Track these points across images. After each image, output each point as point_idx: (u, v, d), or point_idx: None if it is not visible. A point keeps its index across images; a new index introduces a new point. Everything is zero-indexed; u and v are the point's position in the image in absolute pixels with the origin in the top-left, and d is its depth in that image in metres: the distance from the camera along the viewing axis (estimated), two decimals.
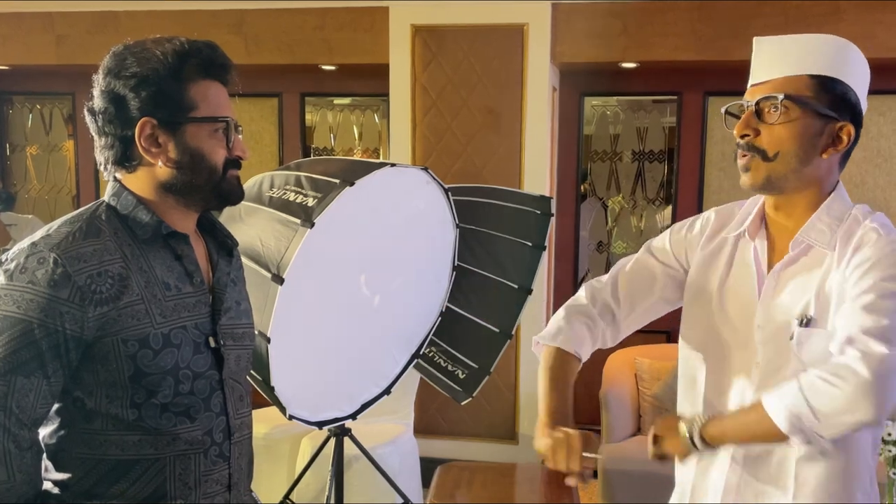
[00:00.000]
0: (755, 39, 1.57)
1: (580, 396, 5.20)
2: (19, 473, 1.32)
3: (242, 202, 1.61)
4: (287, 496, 3.11)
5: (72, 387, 1.37)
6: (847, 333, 1.36)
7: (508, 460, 4.38)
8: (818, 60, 1.50)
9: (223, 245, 1.59)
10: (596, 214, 5.08)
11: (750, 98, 1.54)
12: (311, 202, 2.34)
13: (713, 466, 1.61)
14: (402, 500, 3.20)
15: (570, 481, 1.50)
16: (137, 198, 1.44)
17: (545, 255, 3.11)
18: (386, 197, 2.66)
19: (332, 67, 4.78)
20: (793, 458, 1.51)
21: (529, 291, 3.05)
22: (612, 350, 4.24)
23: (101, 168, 1.47)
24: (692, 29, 4.21)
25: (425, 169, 2.67)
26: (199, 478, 1.45)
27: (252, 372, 2.28)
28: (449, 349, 3.05)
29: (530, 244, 3.06)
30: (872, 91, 1.58)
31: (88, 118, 1.44)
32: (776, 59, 1.52)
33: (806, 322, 1.47)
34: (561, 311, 1.74)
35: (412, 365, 2.99)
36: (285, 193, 2.42)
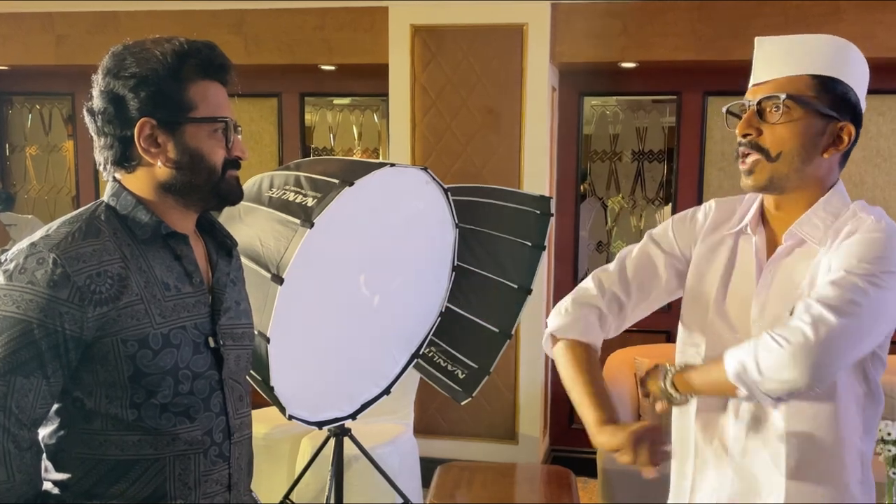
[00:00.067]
0: (757, 39, 1.57)
1: None
2: (19, 473, 1.32)
3: (242, 202, 1.61)
4: (287, 496, 3.11)
5: (71, 387, 1.37)
6: (808, 301, 1.39)
7: (508, 460, 4.38)
8: (819, 60, 1.50)
9: (222, 245, 1.59)
10: (595, 214, 5.08)
11: (751, 97, 1.54)
12: (310, 202, 2.34)
13: (709, 466, 1.62)
14: (401, 500, 3.19)
15: (650, 474, 1.46)
16: (137, 198, 1.44)
17: (545, 254, 3.10)
18: (385, 197, 2.66)
19: (332, 67, 4.78)
20: (784, 459, 1.51)
21: (529, 291, 3.05)
22: (612, 350, 4.26)
23: (101, 168, 1.47)
24: (692, 29, 4.21)
25: (425, 169, 2.67)
26: (198, 478, 1.45)
27: (252, 372, 2.28)
28: (449, 349, 3.04)
29: (530, 244, 3.06)
30: (872, 91, 1.59)
31: (88, 118, 1.44)
32: (778, 59, 1.53)
33: None
34: (568, 302, 1.71)
35: (412, 365, 2.99)
36: (285, 193, 2.42)
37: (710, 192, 4.73)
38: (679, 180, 4.75)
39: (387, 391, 2.90)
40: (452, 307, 3.03)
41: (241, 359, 1.56)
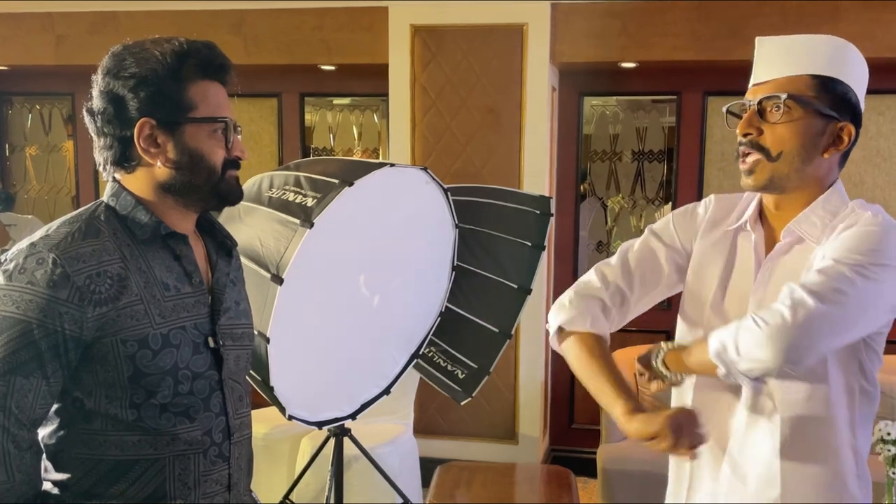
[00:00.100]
0: (757, 39, 1.57)
1: (580, 396, 5.22)
2: (19, 474, 1.32)
3: (242, 202, 1.61)
4: (287, 496, 3.11)
5: (71, 387, 1.37)
6: (793, 285, 1.40)
7: (508, 460, 4.38)
8: (819, 60, 1.51)
9: (222, 245, 1.59)
10: (595, 214, 5.07)
11: (752, 97, 1.55)
12: (310, 202, 2.34)
13: (704, 466, 1.62)
14: (401, 500, 3.19)
15: (692, 457, 1.45)
16: (136, 198, 1.44)
17: (545, 254, 3.10)
18: (385, 197, 2.66)
19: (332, 67, 4.78)
20: (777, 460, 1.52)
21: (529, 291, 3.05)
22: (612, 350, 4.25)
23: (100, 168, 1.47)
24: (691, 29, 4.21)
25: (424, 169, 2.67)
26: (198, 478, 1.45)
27: (251, 372, 2.28)
28: (448, 349, 3.04)
29: (530, 244, 3.06)
30: (872, 91, 1.59)
31: (87, 118, 1.44)
32: (778, 59, 1.53)
33: None
34: (570, 295, 1.69)
35: (412, 365, 2.99)
36: (284, 193, 2.42)
37: (709, 191, 4.69)
38: (679, 180, 4.75)
39: (386, 391, 2.90)
40: (452, 307, 3.03)
41: (240, 359, 1.56)
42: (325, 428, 2.77)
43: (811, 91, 1.50)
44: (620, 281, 1.68)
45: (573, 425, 5.00)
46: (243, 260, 1.97)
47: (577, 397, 4.98)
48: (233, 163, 1.48)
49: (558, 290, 4.86)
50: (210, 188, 1.45)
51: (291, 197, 2.39)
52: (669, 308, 4.50)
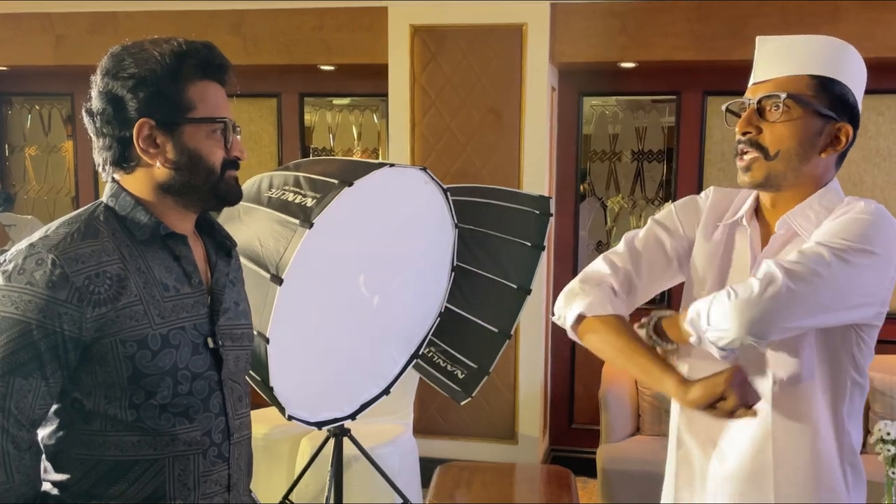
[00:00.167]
0: (758, 38, 1.58)
1: (580, 396, 5.22)
2: (18, 474, 1.32)
3: (241, 203, 1.61)
4: (286, 496, 3.11)
5: (70, 388, 1.37)
6: (770, 261, 1.43)
7: (508, 460, 4.38)
8: (819, 61, 1.52)
9: (222, 246, 1.59)
10: (595, 214, 5.07)
11: (751, 96, 1.56)
12: (309, 202, 2.34)
13: (695, 464, 1.63)
14: (401, 501, 3.19)
15: (753, 414, 1.45)
16: (136, 199, 1.44)
17: (544, 255, 3.10)
18: (385, 197, 2.66)
19: (331, 68, 4.78)
20: (771, 456, 1.53)
21: (528, 291, 3.05)
22: None
23: (99, 169, 1.47)
24: (691, 29, 4.21)
25: (424, 169, 2.66)
26: (198, 478, 1.45)
27: (251, 372, 2.28)
28: (448, 349, 3.04)
29: (529, 244, 3.06)
30: (872, 90, 1.59)
31: (86, 119, 1.44)
32: (778, 59, 1.54)
33: None
34: (577, 284, 1.68)
35: (411, 365, 2.99)
36: (284, 194, 2.42)
37: None
38: (678, 180, 4.75)
39: (386, 391, 2.90)
40: (452, 307, 3.03)
41: (240, 359, 1.56)
42: (325, 428, 2.77)
43: (810, 91, 1.51)
44: (629, 266, 1.68)
45: (573, 425, 5.00)
46: (243, 260, 1.97)
47: (576, 397, 4.98)
48: (232, 163, 1.47)
49: (558, 290, 4.83)
50: (209, 188, 1.45)
51: (291, 197, 2.39)
52: (663, 302, 4.52)
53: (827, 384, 1.52)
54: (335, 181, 2.36)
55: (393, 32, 4.37)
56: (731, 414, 1.43)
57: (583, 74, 4.73)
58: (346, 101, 5.26)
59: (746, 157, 1.55)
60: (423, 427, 4.50)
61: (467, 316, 3.05)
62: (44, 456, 1.40)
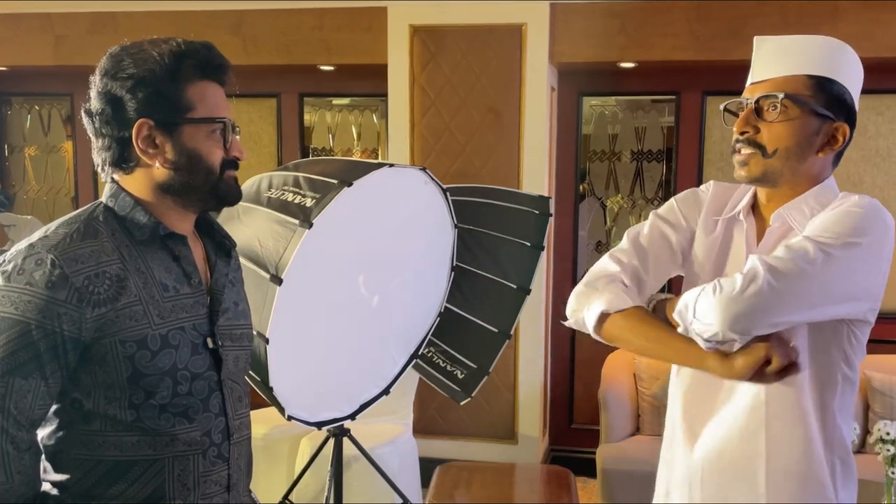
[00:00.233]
0: (756, 39, 1.60)
1: (579, 396, 5.22)
2: (18, 475, 1.32)
3: (240, 203, 1.61)
4: (286, 496, 3.11)
5: (70, 388, 1.37)
6: (756, 256, 1.44)
7: (508, 460, 4.38)
8: (816, 61, 1.54)
9: (221, 246, 1.59)
10: (595, 214, 5.07)
11: (749, 95, 1.57)
12: (309, 203, 2.34)
13: (685, 454, 1.64)
14: (401, 501, 3.19)
15: (797, 369, 1.47)
16: (135, 199, 1.44)
17: (544, 255, 3.11)
18: (384, 197, 2.66)
19: (331, 68, 4.78)
20: (763, 447, 1.54)
21: (528, 291, 3.05)
22: (611, 350, 4.26)
23: (99, 169, 1.47)
24: (690, 29, 4.21)
25: (424, 169, 2.66)
26: (197, 478, 1.45)
27: (251, 372, 2.28)
28: (448, 349, 3.04)
29: (529, 244, 3.06)
30: (871, 90, 1.60)
31: (86, 119, 1.44)
32: (776, 59, 1.56)
33: None
34: (591, 283, 1.66)
35: (411, 365, 2.99)
36: (283, 194, 2.42)
37: None
38: (678, 180, 4.75)
39: (386, 391, 2.90)
40: (451, 307, 3.03)
41: (239, 359, 1.56)
42: (325, 428, 2.77)
43: (808, 91, 1.52)
44: (636, 263, 1.68)
45: (573, 425, 5.00)
46: (242, 260, 1.97)
47: (576, 397, 4.99)
48: (231, 163, 1.47)
49: (557, 290, 4.86)
50: (208, 189, 1.45)
51: (290, 197, 2.39)
52: (663, 290, 4.50)
53: (818, 378, 1.53)
54: (335, 181, 2.36)
55: (392, 32, 4.37)
56: (779, 375, 1.45)
57: (582, 74, 4.73)
58: (345, 101, 5.26)
59: (744, 152, 1.57)
60: (423, 427, 4.50)
61: (467, 316, 3.05)
62: (43, 456, 1.40)
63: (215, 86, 1.46)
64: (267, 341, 2.26)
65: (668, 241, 1.70)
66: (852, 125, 1.57)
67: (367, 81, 4.81)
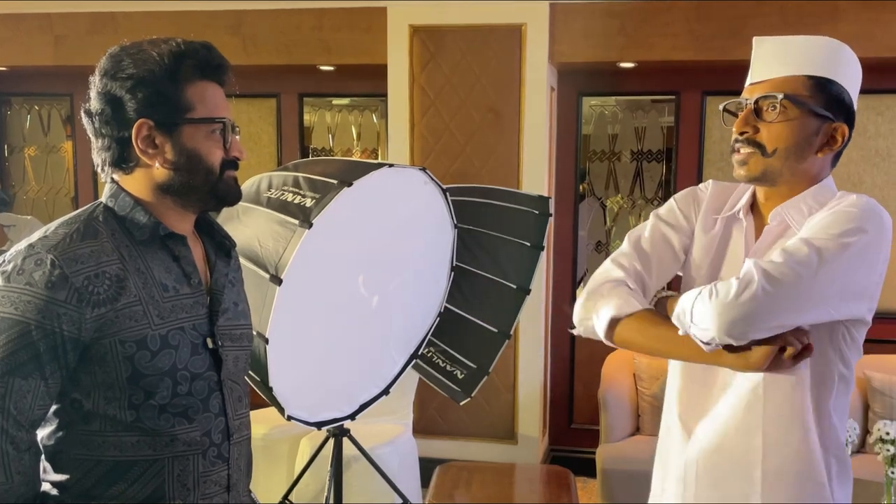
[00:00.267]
0: (755, 39, 1.60)
1: (579, 396, 5.22)
2: (17, 475, 1.32)
3: (240, 203, 1.61)
4: (286, 497, 3.11)
5: (70, 388, 1.37)
6: (752, 261, 1.44)
7: (507, 460, 4.38)
8: (815, 61, 1.54)
9: (221, 246, 1.59)
10: (594, 214, 5.08)
11: (749, 96, 1.58)
12: (309, 203, 2.34)
13: (673, 459, 1.65)
14: (401, 501, 3.19)
15: (811, 352, 1.47)
16: (135, 199, 1.44)
17: (543, 255, 3.11)
18: (384, 197, 2.66)
19: (331, 68, 4.78)
20: (760, 444, 1.55)
21: (528, 291, 3.05)
22: (611, 350, 4.26)
23: (99, 169, 1.47)
24: (690, 29, 4.21)
25: (423, 169, 2.66)
26: (197, 479, 1.45)
27: (250, 372, 2.28)
28: (447, 349, 3.04)
29: (529, 244, 3.06)
30: (871, 90, 1.61)
31: (85, 120, 1.44)
32: (775, 59, 1.56)
33: None
34: (592, 291, 1.66)
35: (411, 365, 2.99)
36: (283, 194, 2.42)
37: None
38: (678, 180, 4.75)
39: (386, 391, 2.90)
40: (451, 307, 3.03)
41: (239, 360, 1.56)
42: (325, 428, 2.77)
43: (807, 91, 1.53)
44: (639, 266, 1.68)
45: (572, 425, 5.00)
46: (242, 260, 1.97)
47: (576, 397, 4.99)
48: (231, 163, 1.47)
49: (557, 290, 4.86)
50: (208, 189, 1.45)
51: (290, 197, 2.39)
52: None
53: (814, 376, 1.53)
54: (334, 181, 2.36)
55: (392, 33, 4.37)
56: (794, 360, 1.45)
57: (582, 74, 4.73)
58: (345, 101, 5.26)
59: (743, 152, 1.57)
60: (423, 427, 4.50)
61: (467, 316, 3.05)
62: (43, 456, 1.40)
63: (215, 86, 1.46)
64: (267, 341, 2.26)
65: (670, 243, 1.70)
66: (851, 125, 1.58)
67: (367, 81, 4.81)
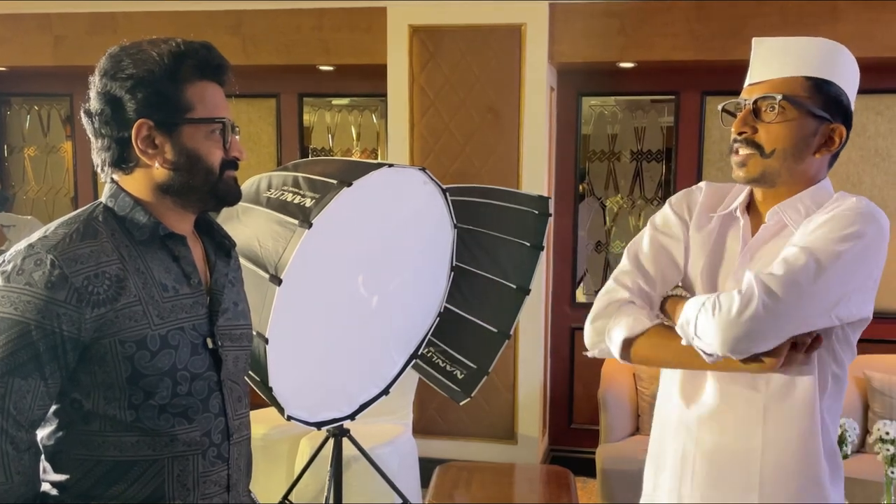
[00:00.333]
0: (754, 40, 1.61)
1: (579, 396, 5.22)
2: (17, 475, 1.32)
3: (240, 203, 1.61)
4: (286, 497, 3.11)
5: (69, 388, 1.37)
6: (753, 274, 1.45)
7: (507, 460, 4.38)
8: (813, 62, 1.55)
9: (221, 246, 1.59)
10: (594, 214, 5.08)
11: (747, 96, 1.59)
12: (308, 203, 2.34)
13: (669, 457, 1.65)
14: (400, 501, 3.19)
15: (820, 341, 1.49)
16: (135, 199, 1.44)
17: (543, 255, 3.11)
18: (384, 197, 2.66)
19: (330, 68, 4.78)
20: (759, 442, 1.55)
21: (527, 291, 3.05)
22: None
23: (98, 169, 1.47)
24: (690, 28, 4.21)
25: (423, 169, 2.66)
26: (197, 479, 1.45)
27: (250, 372, 2.28)
28: (447, 349, 3.04)
29: (528, 244, 3.06)
30: (871, 90, 1.61)
31: (85, 120, 1.44)
32: (774, 60, 1.57)
33: None
34: (600, 314, 1.68)
35: (410, 365, 2.99)
36: (283, 194, 2.42)
37: None
38: (678, 180, 4.75)
39: (385, 391, 2.90)
40: (451, 307, 3.03)
41: (239, 360, 1.56)
42: (324, 428, 2.77)
43: (805, 92, 1.54)
44: (641, 283, 1.68)
45: (572, 425, 5.00)
46: (242, 260, 1.97)
47: (576, 397, 4.99)
48: (231, 163, 1.47)
49: (557, 290, 4.86)
50: (208, 189, 1.45)
51: (290, 197, 2.39)
52: None
53: (810, 375, 1.53)
54: (334, 181, 2.36)
55: (392, 33, 4.37)
56: (807, 353, 1.48)
57: (581, 74, 4.74)
58: (345, 101, 5.26)
59: (742, 153, 1.58)
60: (423, 427, 4.50)
61: (466, 316, 3.05)
62: (43, 456, 1.40)
63: (215, 86, 1.46)
64: (266, 341, 2.26)
65: (669, 254, 1.70)
66: (849, 126, 1.59)
67: (367, 81, 4.81)
